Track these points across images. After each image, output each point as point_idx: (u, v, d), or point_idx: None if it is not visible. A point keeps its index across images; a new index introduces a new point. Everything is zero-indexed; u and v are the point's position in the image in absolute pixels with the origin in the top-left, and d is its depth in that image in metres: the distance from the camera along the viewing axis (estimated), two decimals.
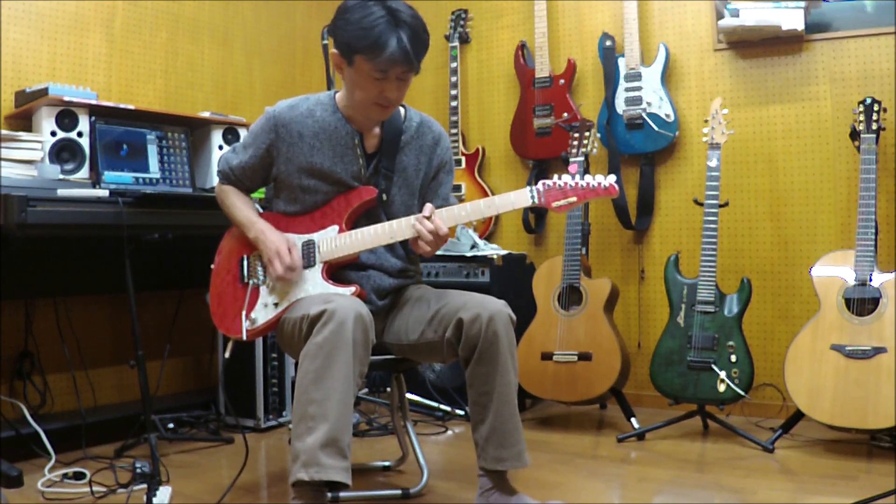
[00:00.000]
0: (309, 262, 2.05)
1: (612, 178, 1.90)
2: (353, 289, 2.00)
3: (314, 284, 2.03)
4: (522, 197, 1.95)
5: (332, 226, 2.06)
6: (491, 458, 1.96)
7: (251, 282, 2.10)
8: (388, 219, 2.08)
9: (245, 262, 2.13)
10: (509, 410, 1.95)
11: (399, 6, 1.91)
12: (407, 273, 2.20)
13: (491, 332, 1.91)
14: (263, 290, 2.08)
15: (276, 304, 2.05)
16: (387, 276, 2.13)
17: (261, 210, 2.20)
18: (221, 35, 3.62)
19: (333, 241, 2.04)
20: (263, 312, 2.06)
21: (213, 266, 2.19)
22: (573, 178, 1.91)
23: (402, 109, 2.17)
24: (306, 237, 2.08)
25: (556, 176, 1.93)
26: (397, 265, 2.16)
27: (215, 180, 3.03)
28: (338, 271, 2.08)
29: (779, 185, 3.23)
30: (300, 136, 2.05)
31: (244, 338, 2.06)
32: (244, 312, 2.06)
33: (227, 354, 2.12)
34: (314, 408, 1.76)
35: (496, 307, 1.95)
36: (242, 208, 2.16)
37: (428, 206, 1.97)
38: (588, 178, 1.91)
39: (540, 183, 1.94)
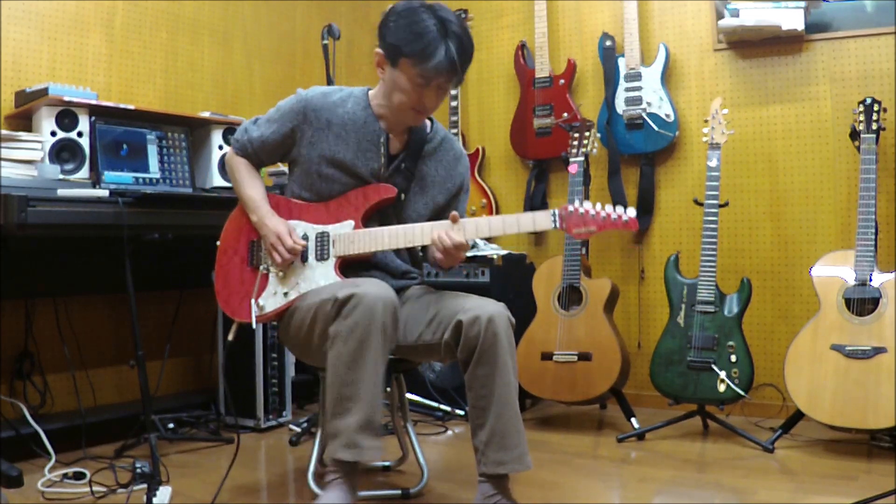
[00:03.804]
0: (322, 254, 2.05)
1: (632, 213, 1.90)
2: None
3: (326, 279, 2.03)
4: (545, 220, 1.95)
5: (347, 220, 2.06)
6: (492, 461, 1.94)
7: (262, 267, 2.09)
8: (399, 221, 2.09)
9: (255, 246, 2.12)
10: (510, 412, 1.93)
11: (449, 16, 1.95)
12: (410, 275, 2.20)
13: (490, 333, 1.90)
14: (273, 277, 2.08)
15: (285, 294, 2.05)
16: (390, 278, 2.13)
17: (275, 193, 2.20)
18: (221, 35, 3.61)
19: (349, 236, 2.04)
20: (273, 300, 2.06)
21: (218, 243, 2.17)
22: (594, 207, 1.91)
23: (428, 121, 2.18)
24: (321, 228, 2.07)
25: (577, 201, 1.94)
26: (402, 267, 2.17)
27: (216, 180, 3.06)
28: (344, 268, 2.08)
29: (779, 185, 3.23)
30: (328, 123, 2.06)
31: (254, 324, 2.06)
32: (253, 298, 2.06)
33: (231, 337, 2.11)
34: (349, 389, 1.80)
35: (495, 309, 1.95)
36: (252, 186, 2.14)
37: (454, 214, 1.97)
38: (609, 208, 1.91)
39: (562, 208, 1.93)
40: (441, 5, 1.97)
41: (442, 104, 2.11)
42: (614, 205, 1.93)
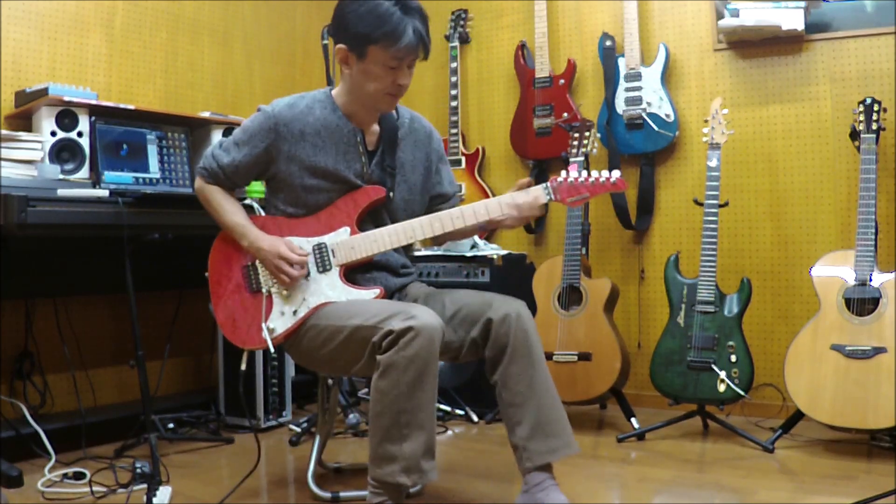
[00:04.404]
0: (324, 266, 2.03)
1: (616, 174, 1.95)
2: (377, 291, 2.01)
3: (334, 289, 2.01)
4: (538, 194, 1.98)
5: (342, 227, 2.04)
6: (538, 452, 1.91)
7: (263, 289, 2.05)
8: (391, 215, 2.09)
9: (250, 271, 2.08)
10: (552, 401, 1.94)
11: None
12: (407, 268, 2.20)
13: (521, 329, 1.92)
14: (277, 297, 2.04)
15: (294, 312, 2.02)
16: (392, 276, 2.13)
17: (262, 212, 2.18)
18: (221, 35, 3.62)
19: (348, 243, 2.02)
20: (282, 321, 2.02)
21: (207, 274, 2.13)
22: (580, 173, 1.96)
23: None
24: (316, 240, 2.04)
25: (563, 172, 1.97)
26: (400, 261, 2.17)
27: None
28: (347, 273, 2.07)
29: (779, 185, 3.23)
30: (302, 134, 2.03)
31: (271, 349, 2.02)
32: (263, 322, 2.03)
33: (243, 367, 2.08)
34: (407, 417, 1.79)
35: (520, 305, 1.97)
36: (233, 212, 2.10)
37: (522, 181, 2.00)
38: (596, 173, 1.96)
39: (551, 180, 1.97)
40: None
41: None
42: (603, 170, 1.97)
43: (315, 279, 2.03)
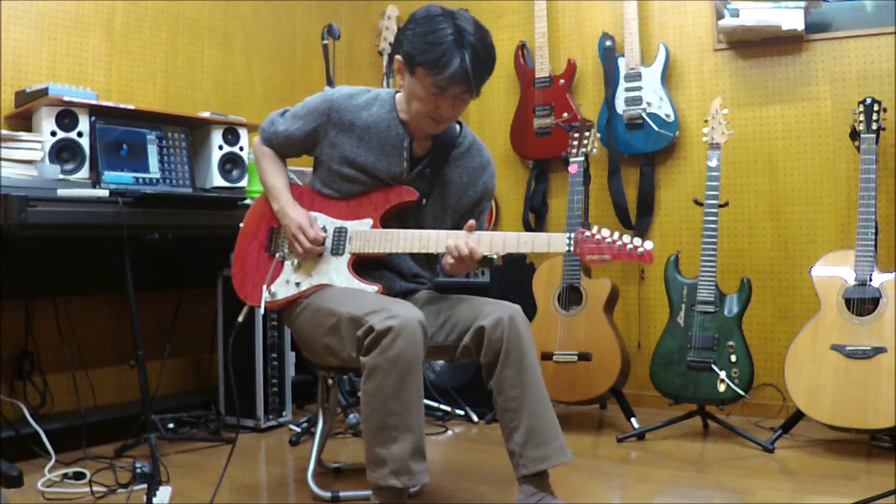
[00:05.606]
0: (338, 249, 2.06)
1: (649, 245, 1.85)
2: (375, 287, 2.01)
3: (339, 274, 2.04)
4: (559, 242, 1.91)
5: (366, 218, 2.07)
6: (532, 459, 1.91)
7: (277, 254, 2.11)
8: (418, 225, 2.09)
9: (274, 233, 2.15)
10: (544, 407, 1.93)
11: (467, 26, 1.90)
12: (420, 279, 2.20)
13: (514, 334, 1.92)
14: (288, 265, 2.10)
15: (297, 284, 2.07)
16: (399, 279, 2.14)
17: (300, 182, 2.21)
18: (221, 35, 3.62)
19: (366, 235, 2.05)
20: (285, 288, 2.08)
21: (241, 225, 2.21)
22: (612, 235, 1.87)
23: (457, 125, 2.17)
24: (339, 223, 2.08)
25: (595, 227, 1.90)
26: (413, 269, 2.17)
27: (216, 180, 3.07)
28: (356, 265, 2.08)
29: (779, 185, 3.23)
30: (351, 125, 2.06)
31: (262, 309, 2.08)
32: (265, 284, 2.08)
33: (240, 318, 2.13)
34: (395, 419, 1.80)
35: (513, 309, 1.96)
36: (276, 175, 2.17)
37: (470, 222, 1.96)
38: (626, 238, 1.86)
39: (579, 231, 1.89)
40: (463, 14, 1.93)
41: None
42: (632, 237, 1.88)
43: (326, 259, 2.07)
